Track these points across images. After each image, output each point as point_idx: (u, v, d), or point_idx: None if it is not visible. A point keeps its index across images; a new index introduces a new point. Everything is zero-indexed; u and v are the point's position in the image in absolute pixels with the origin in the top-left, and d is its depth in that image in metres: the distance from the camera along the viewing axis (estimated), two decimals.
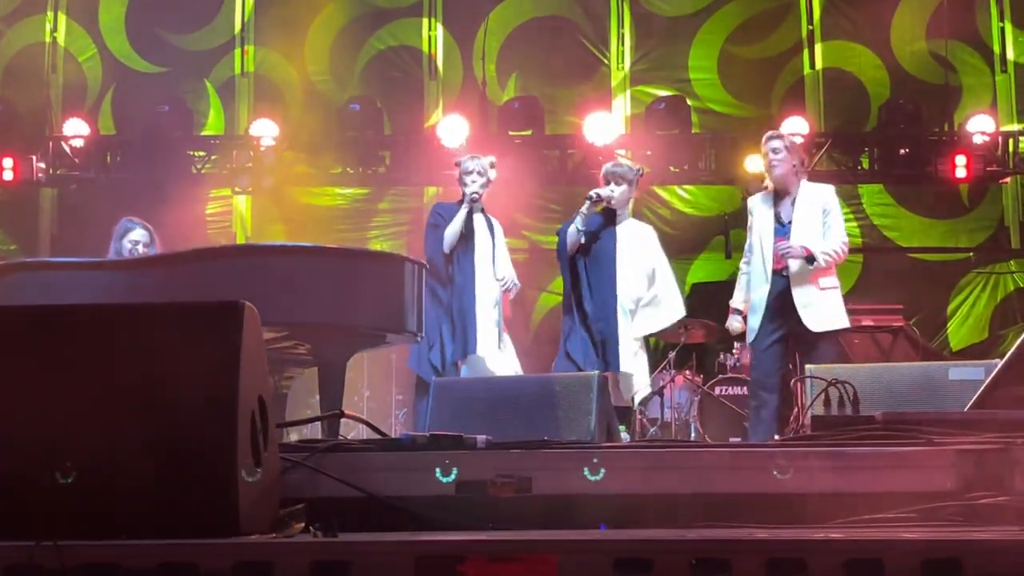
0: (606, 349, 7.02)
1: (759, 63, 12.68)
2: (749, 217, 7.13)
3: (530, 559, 2.64)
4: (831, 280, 6.90)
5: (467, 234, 7.26)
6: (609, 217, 7.27)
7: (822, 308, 6.80)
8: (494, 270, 7.39)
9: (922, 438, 3.63)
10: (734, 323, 7.19)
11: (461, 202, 7.33)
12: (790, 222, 6.89)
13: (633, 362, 7.13)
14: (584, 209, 7.12)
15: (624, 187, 7.23)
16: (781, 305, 6.83)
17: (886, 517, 3.22)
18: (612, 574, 2.63)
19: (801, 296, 6.79)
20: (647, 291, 7.22)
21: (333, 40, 12.64)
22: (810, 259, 6.74)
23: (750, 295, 7.01)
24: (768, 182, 7.07)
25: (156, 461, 2.86)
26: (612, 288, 7.10)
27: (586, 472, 3.50)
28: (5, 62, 12.67)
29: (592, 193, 7.16)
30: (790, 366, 7.32)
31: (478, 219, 7.37)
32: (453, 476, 3.49)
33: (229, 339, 2.91)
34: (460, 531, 3.16)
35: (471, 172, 7.35)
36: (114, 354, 2.96)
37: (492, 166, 7.48)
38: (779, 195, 6.98)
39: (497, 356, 7.30)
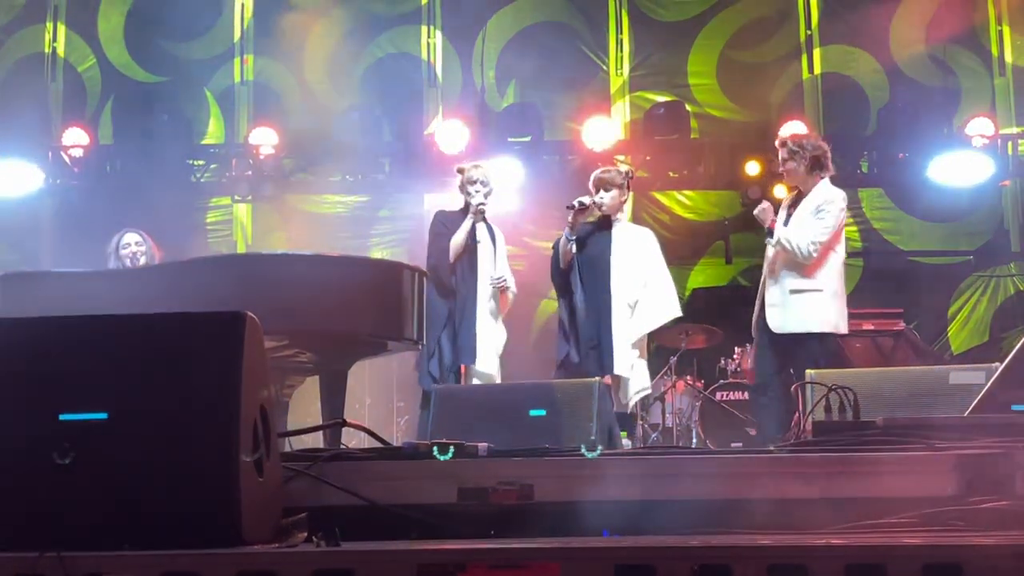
0: (600, 352, 7.02)
1: (758, 68, 12.68)
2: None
3: (532, 567, 2.65)
4: (805, 283, 6.77)
5: (471, 244, 7.26)
6: (603, 223, 7.28)
7: (789, 310, 6.76)
8: (513, 289, 7.42)
9: (923, 443, 3.63)
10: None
11: (463, 211, 7.33)
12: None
13: (632, 367, 7.12)
14: (569, 219, 7.13)
15: (614, 191, 7.24)
16: (763, 306, 6.88)
17: (887, 522, 3.22)
18: None
19: (770, 296, 6.82)
20: (642, 293, 7.21)
21: (332, 48, 12.64)
22: (769, 232, 6.77)
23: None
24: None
25: (158, 471, 2.86)
26: (607, 292, 7.10)
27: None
28: (4, 72, 12.67)
29: (574, 202, 7.15)
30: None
31: (481, 229, 7.38)
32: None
33: (231, 350, 2.91)
34: (462, 539, 3.16)
35: (475, 181, 7.35)
36: (116, 364, 2.97)
37: (490, 177, 7.50)
38: (800, 196, 7.00)
39: (492, 368, 7.31)
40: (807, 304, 6.78)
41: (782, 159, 6.97)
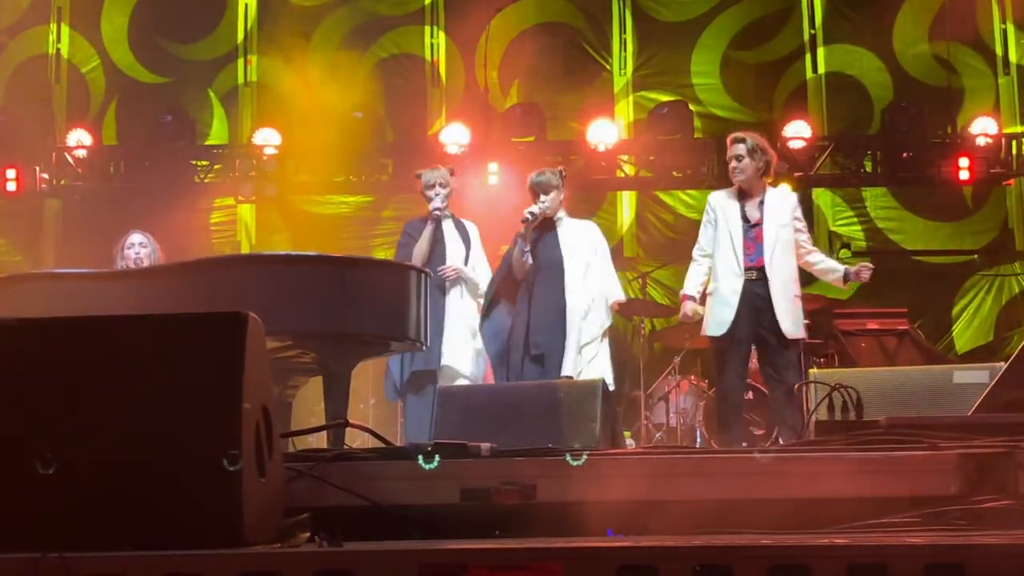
0: (544, 361, 7.04)
1: (761, 67, 12.67)
2: (711, 212, 7.14)
3: (534, 567, 2.65)
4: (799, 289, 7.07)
5: (437, 247, 7.30)
6: (547, 225, 7.30)
7: (797, 315, 6.87)
8: (467, 278, 7.41)
9: (926, 442, 3.63)
10: (689, 308, 7.13)
11: (427, 216, 7.37)
12: (758, 223, 6.94)
13: (592, 364, 7.14)
14: (523, 231, 7.16)
15: (553, 193, 7.28)
16: (754, 304, 6.87)
17: (890, 522, 3.22)
18: None
19: (780, 300, 6.84)
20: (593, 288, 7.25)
21: (335, 48, 12.65)
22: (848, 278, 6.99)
23: (719, 287, 7.00)
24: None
25: (161, 471, 2.86)
26: (561, 295, 7.12)
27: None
28: (8, 73, 12.68)
29: (526, 214, 7.17)
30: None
31: (448, 229, 7.40)
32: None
33: (233, 349, 2.91)
34: (464, 540, 3.16)
35: (432, 185, 7.40)
36: (118, 364, 2.97)
37: (452, 174, 7.54)
38: (744, 194, 7.04)
39: (472, 363, 7.33)
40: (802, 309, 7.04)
41: (738, 156, 7.00)
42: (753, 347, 7.06)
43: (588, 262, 7.23)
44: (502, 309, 7.27)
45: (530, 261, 7.12)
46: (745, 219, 6.99)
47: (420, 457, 3.52)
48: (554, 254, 7.20)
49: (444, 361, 7.20)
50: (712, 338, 7.02)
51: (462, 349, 7.33)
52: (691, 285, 7.16)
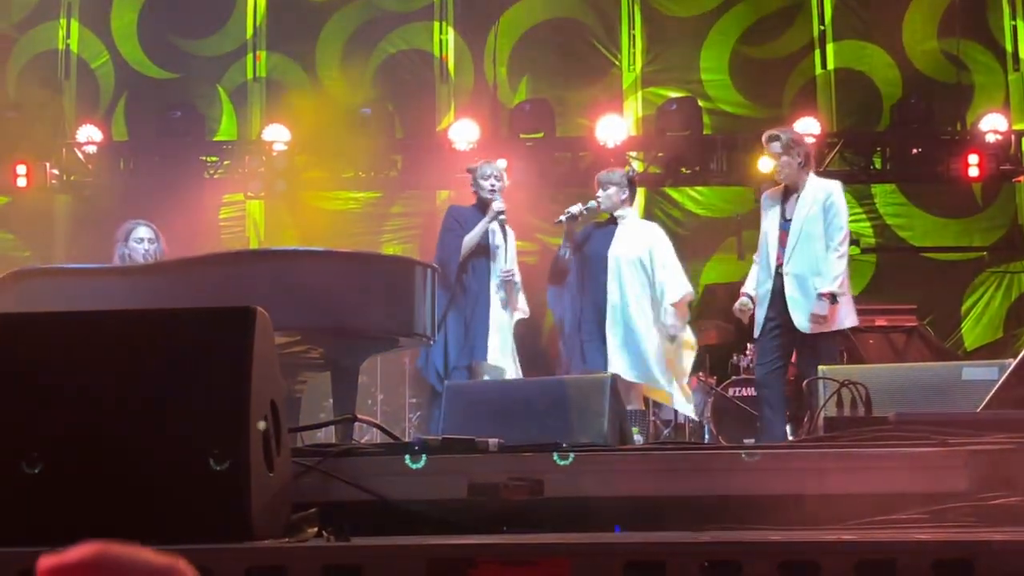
0: (584, 351, 7.08)
1: (770, 64, 12.66)
2: (762, 212, 7.17)
3: (542, 562, 2.64)
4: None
5: (485, 245, 7.29)
6: (608, 222, 7.33)
7: (814, 310, 6.83)
8: (519, 283, 7.45)
9: (935, 439, 3.62)
10: (740, 303, 7.17)
11: (477, 207, 7.35)
12: (790, 219, 6.94)
13: (662, 370, 7.20)
14: (566, 230, 7.23)
15: (611, 189, 7.30)
16: (781, 302, 6.88)
17: (898, 518, 3.21)
18: None
19: (794, 294, 6.84)
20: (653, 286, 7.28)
21: (344, 44, 12.66)
22: (832, 298, 6.81)
23: (759, 289, 7.04)
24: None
25: (167, 466, 2.86)
26: (602, 291, 7.16)
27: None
28: (18, 69, 12.71)
29: (562, 216, 7.25)
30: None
31: (494, 226, 7.40)
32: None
33: (240, 344, 2.91)
34: (472, 535, 3.16)
35: (488, 177, 7.37)
36: (125, 360, 2.97)
37: (506, 173, 7.54)
38: (788, 191, 7.03)
39: (508, 362, 7.34)
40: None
41: (776, 153, 6.99)
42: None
43: (638, 261, 7.23)
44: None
45: (566, 260, 7.19)
46: (783, 216, 6.98)
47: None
48: (601, 251, 7.23)
49: (490, 359, 7.20)
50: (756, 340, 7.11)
51: (502, 349, 7.34)
52: (749, 284, 7.21)
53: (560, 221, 7.22)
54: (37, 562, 0.46)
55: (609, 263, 7.22)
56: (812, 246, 6.88)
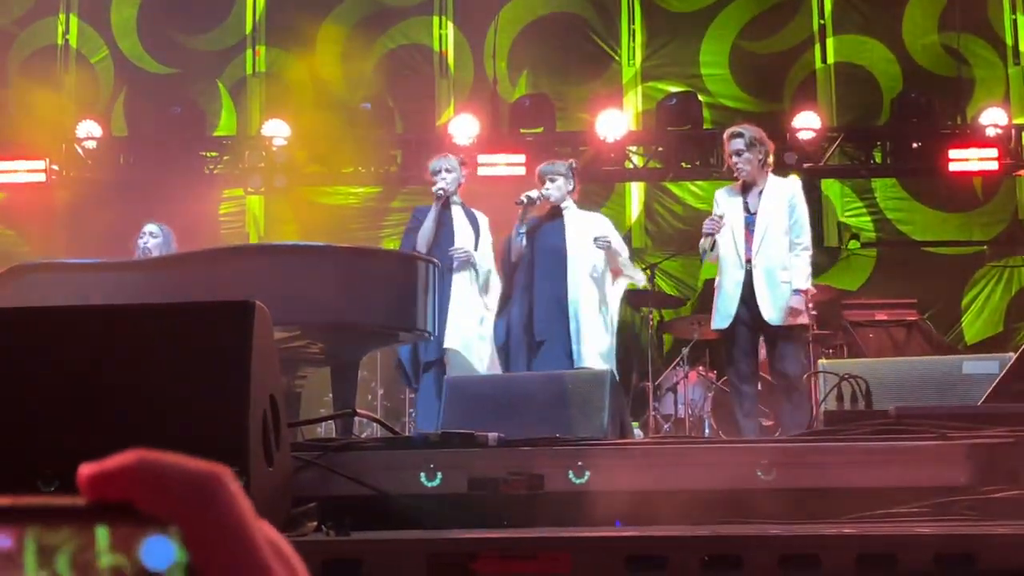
0: (544, 348, 7.08)
1: (770, 58, 12.64)
2: (716, 207, 7.12)
3: (542, 556, 2.64)
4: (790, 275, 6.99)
5: (444, 231, 7.30)
6: (554, 213, 7.35)
7: (783, 303, 6.85)
8: (476, 263, 7.42)
9: (935, 432, 3.62)
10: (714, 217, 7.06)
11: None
12: (756, 212, 6.97)
13: (601, 358, 7.18)
14: (520, 214, 7.23)
15: (559, 181, 7.34)
16: (751, 295, 6.90)
17: (899, 512, 3.21)
18: (625, 571, 2.62)
19: (762, 288, 6.86)
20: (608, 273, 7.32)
21: (344, 39, 12.63)
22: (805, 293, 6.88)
23: (723, 280, 7.04)
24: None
25: None
26: (563, 283, 7.17)
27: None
28: (18, 64, 12.69)
29: (521, 197, 7.25)
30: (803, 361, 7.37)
31: (457, 215, 7.41)
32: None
33: (240, 339, 2.91)
34: (472, 529, 3.16)
35: (438, 171, 7.42)
36: (126, 354, 2.97)
37: (462, 163, 7.57)
38: (746, 186, 7.07)
39: (478, 346, 7.34)
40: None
41: (737, 151, 7.01)
42: (763, 337, 7.10)
43: (592, 253, 7.25)
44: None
45: (523, 242, 7.18)
46: (747, 211, 7.01)
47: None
48: (558, 243, 7.24)
49: (447, 345, 7.18)
50: (718, 331, 7.06)
51: (468, 334, 7.33)
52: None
53: (521, 202, 7.23)
54: (78, 471, 0.46)
55: (569, 255, 7.24)
56: (778, 241, 6.93)
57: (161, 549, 0.46)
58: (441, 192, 7.31)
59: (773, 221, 6.94)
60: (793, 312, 6.83)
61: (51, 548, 0.45)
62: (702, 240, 7.06)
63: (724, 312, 6.96)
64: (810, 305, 7.14)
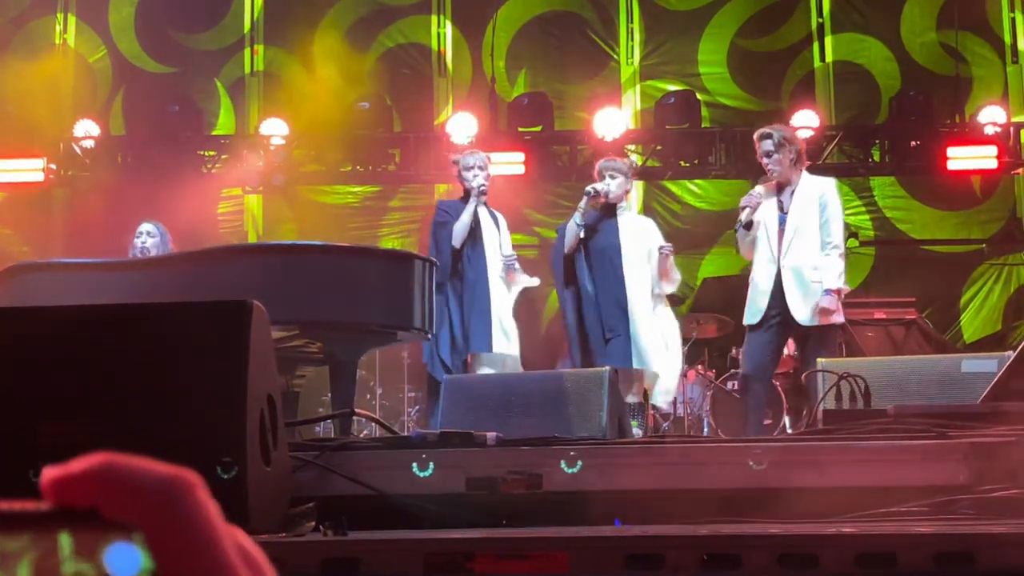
0: (625, 342, 7.09)
1: (769, 56, 12.64)
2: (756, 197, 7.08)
3: (540, 556, 2.64)
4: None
5: (475, 229, 7.28)
6: (608, 211, 7.32)
7: (814, 302, 6.83)
8: (519, 268, 7.45)
9: (934, 431, 3.61)
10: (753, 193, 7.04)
11: (464, 199, 7.35)
12: (787, 212, 6.95)
13: (661, 357, 7.21)
14: (582, 204, 7.19)
15: (620, 179, 7.30)
16: (781, 295, 6.88)
17: (898, 511, 3.20)
18: (624, 570, 2.62)
19: (792, 288, 6.84)
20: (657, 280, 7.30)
21: (342, 38, 12.62)
22: (838, 293, 6.84)
23: (755, 277, 7.03)
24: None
25: (164, 459, 2.85)
26: (621, 283, 7.15)
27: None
28: (16, 64, 12.67)
29: (589, 188, 7.21)
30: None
31: (483, 213, 7.39)
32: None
33: (237, 338, 2.90)
34: (470, 528, 3.15)
35: (472, 167, 7.38)
36: (122, 353, 2.96)
37: (489, 160, 7.55)
38: (781, 185, 7.05)
39: (510, 349, 7.35)
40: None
41: (767, 152, 6.99)
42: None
43: (647, 257, 7.26)
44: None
45: (581, 234, 7.17)
46: (781, 210, 6.99)
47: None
48: (613, 242, 7.24)
49: (497, 350, 7.19)
50: (748, 326, 7.04)
51: (510, 334, 7.35)
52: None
53: (590, 193, 7.18)
54: (40, 474, 0.44)
55: (624, 254, 7.23)
56: (808, 240, 6.90)
57: (126, 556, 0.44)
58: (483, 188, 7.29)
59: (804, 220, 6.90)
60: (824, 312, 6.79)
61: (12, 555, 0.44)
62: (740, 215, 7.00)
63: (755, 308, 6.97)
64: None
